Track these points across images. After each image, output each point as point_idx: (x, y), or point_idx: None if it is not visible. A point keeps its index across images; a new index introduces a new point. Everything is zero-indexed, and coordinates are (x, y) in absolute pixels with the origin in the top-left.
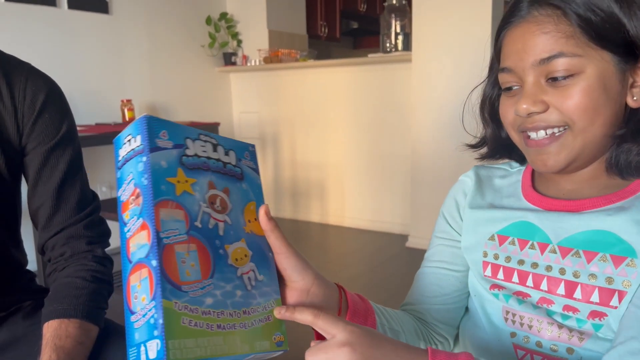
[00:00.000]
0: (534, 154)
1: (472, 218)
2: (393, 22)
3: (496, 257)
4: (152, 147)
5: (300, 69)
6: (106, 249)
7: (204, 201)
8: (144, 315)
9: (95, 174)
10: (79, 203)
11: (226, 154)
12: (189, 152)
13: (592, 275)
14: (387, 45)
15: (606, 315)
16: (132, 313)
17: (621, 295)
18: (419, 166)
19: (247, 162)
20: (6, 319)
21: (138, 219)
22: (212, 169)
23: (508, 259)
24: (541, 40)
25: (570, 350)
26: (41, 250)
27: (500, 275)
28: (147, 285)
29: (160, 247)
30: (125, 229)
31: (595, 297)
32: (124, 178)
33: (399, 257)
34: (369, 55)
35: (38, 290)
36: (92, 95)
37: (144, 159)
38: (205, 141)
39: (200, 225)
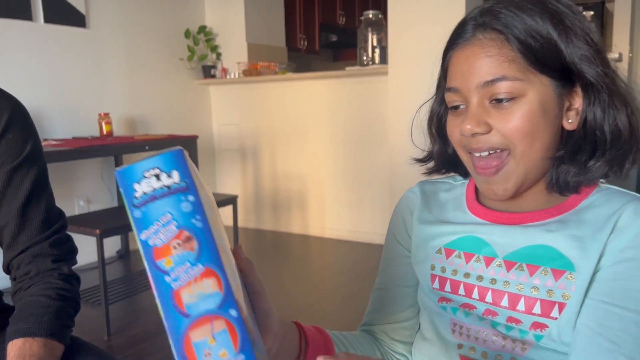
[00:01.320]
0: (484, 183)
1: (421, 233)
2: (370, 35)
3: (443, 270)
4: (197, 185)
5: (279, 82)
6: (73, 267)
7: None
8: None
9: (72, 188)
10: (44, 221)
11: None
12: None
13: (535, 288)
14: (364, 58)
15: (547, 327)
16: None
17: (561, 307)
18: (397, 176)
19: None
20: None
21: (195, 264)
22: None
23: (455, 272)
24: (485, 63)
25: None
26: (7, 270)
27: (448, 287)
28: (227, 338)
29: (234, 294)
30: (169, 278)
31: (537, 308)
32: (152, 218)
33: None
34: (347, 69)
35: (5, 309)
36: (69, 108)
37: (191, 198)
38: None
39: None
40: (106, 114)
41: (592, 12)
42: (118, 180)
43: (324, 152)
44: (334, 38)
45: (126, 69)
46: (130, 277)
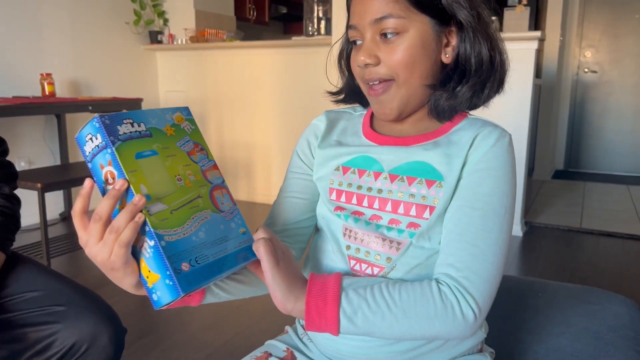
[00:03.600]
0: (375, 104)
1: (322, 155)
2: (315, 7)
3: (340, 184)
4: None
5: (227, 50)
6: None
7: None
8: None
9: (14, 149)
10: None
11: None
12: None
13: (412, 195)
14: (310, 29)
15: (420, 226)
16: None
17: (431, 209)
18: None
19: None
20: None
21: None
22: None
23: (349, 185)
24: (375, 3)
25: (388, 260)
26: None
27: (343, 198)
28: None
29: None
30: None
31: (413, 211)
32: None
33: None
34: (293, 38)
35: None
36: (8, 67)
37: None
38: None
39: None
40: (48, 74)
41: None
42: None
43: (270, 120)
44: (284, 10)
45: (69, 30)
46: (72, 235)
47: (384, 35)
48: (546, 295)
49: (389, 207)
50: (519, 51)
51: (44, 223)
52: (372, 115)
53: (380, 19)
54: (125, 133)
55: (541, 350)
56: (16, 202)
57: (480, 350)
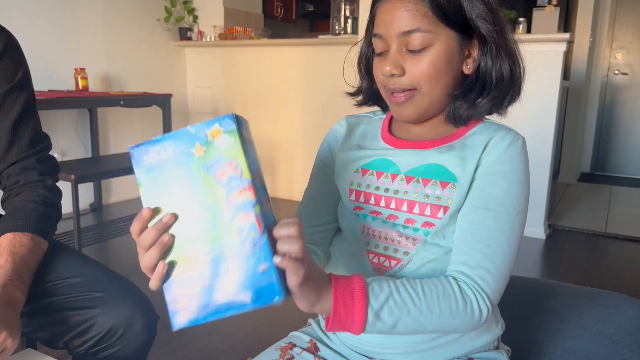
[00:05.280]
0: (395, 108)
1: (343, 158)
2: (342, 5)
3: (359, 185)
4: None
5: (254, 47)
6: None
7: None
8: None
9: None
10: (32, 140)
11: None
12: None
13: (426, 195)
14: (337, 27)
15: (434, 225)
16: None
17: (445, 209)
18: None
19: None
20: None
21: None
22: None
23: (368, 186)
24: (404, 16)
25: (406, 253)
26: None
27: (362, 199)
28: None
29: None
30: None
31: (427, 211)
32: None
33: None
34: (319, 37)
35: None
36: (45, 62)
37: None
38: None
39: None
40: (82, 69)
41: None
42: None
43: (295, 118)
44: (311, 8)
45: (102, 25)
46: (102, 226)
47: (411, 51)
48: (564, 297)
49: (404, 207)
50: (547, 53)
51: (77, 213)
52: (390, 119)
53: (408, 32)
54: (150, 163)
55: (557, 351)
56: (58, 193)
57: (497, 348)
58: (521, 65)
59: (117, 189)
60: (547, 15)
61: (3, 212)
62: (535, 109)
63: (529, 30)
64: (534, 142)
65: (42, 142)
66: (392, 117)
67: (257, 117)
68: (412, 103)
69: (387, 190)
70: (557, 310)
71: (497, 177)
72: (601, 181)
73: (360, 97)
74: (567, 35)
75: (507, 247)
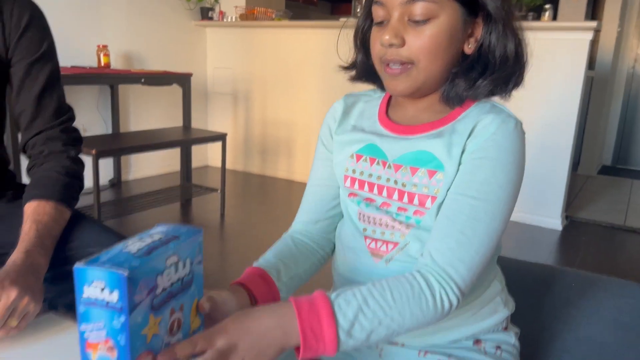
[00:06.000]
0: (389, 80)
1: (339, 141)
2: None
3: (354, 171)
4: (132, 307)
5: (275, 28)
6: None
7: (166, 332)
8: None
9: None
10: (56, 110)
11: (184, 265)
12: (158, 291)
13: (414, 185)
14: (358, 10)
15: (424, 214)
16: None
17: (433, 199)
18: None
19: (197, 258)
20: None
21: None
22: (174, 293)
23: (361, 173)
24: None
25: (402, 236)
26: (23, 149)
27: (356, 186)
28: None
29: None
30: None
31: (416, 200)
32: (91, 319)
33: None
34: (340, 19)
35: (18, 185)
36: (67, 39)
37: (123, 319)
38: (170, 266)
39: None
40: (104, 46)
41: None
42: (74, 275)
43: (314, 100)
44: None
45: (125, 3)
46: (121, 202)
47: (413, 21)
48: (579, 286)
49: (395, 196)
50: (573, 41)
51: (97, 187)
52: (389, 101)
53: (413, 0)
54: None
55: (570, 338)
56: (81, 164)
57: (506, 329)
58: (526, 47)
59: (135, 166)
60: (574, 3)
61: (26, 181)
62: (557, 98)
63: (554, 18)
64: (554, 132)
65: (66, 113)
66: (390, 96)
67: (276, 98)
68: (407, 77)
69: (379, 177)
70: (571, 298)
71: (479, 163)
72: (622, 174)
73: (353, 72)
74: (594, 24)
75: (484, 236)
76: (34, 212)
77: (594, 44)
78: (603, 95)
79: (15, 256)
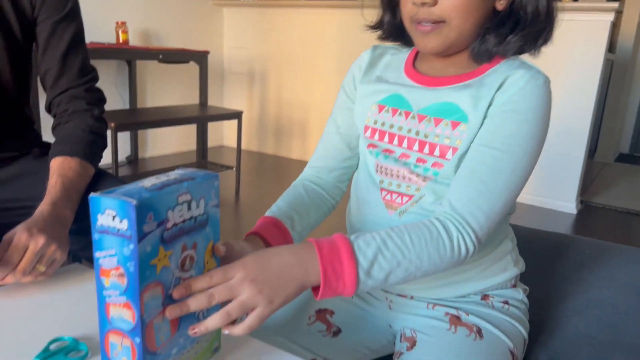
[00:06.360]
0: (420, 38)
1: (362, 90)
2: None
3: (375, 122)
4: (140, 236)
5: (292, 8)
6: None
7: (177, 267)
8: None
9: None
10: (80, 70)
11: (197, 205)
12: (169, 224)
13: (437, 136)
14: None
15: (443, 166)
16: (109, 358)
17: (454, 150)
18: None
19: (212, 201)
20: (19, 158)
21: (121, 295)
22: (186, 230)
23: (383, 124)
24: None
25: (417, 189)
26: (48, 108)
27: (376, 136)
28: (129, 353)
29: (143, 326)
30: (105, 293)
31: (437, 151)
32: (104, 246)
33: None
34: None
35: (44, 143)
36: (86, 15)
37: (131, 246)
38: (182, 203)
39: (172, 292)
40: (123, 23)
41: None
42: (90, 203)
43: (329, 82)
44: None
45: None
46: (137, 178)
47: None
48: (592, 252)
49: (416, 147)
50: (592, 22)
51: (116, 161)
52: (416, 54)
53: None
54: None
55: (581, 299)
56: (104, 123)
57: (514, 286)
58: (556, 4)
59: (152, 144)
60: None
61: (49, 141)
62: (575, 82)
63: None
64: (571, 116)
65: (90, 73)
66: (418, 50)
67: (292, 79)
68: (439, 35)
69: (400, 128)
70: (585, 262)
71: (507, 116)
72: None
73: (380, 32)
74: (615, 5)
75: (504, 188)
76: (60, 168)
77: (615, 26)
78: (623, 81)
79: (43, 207)
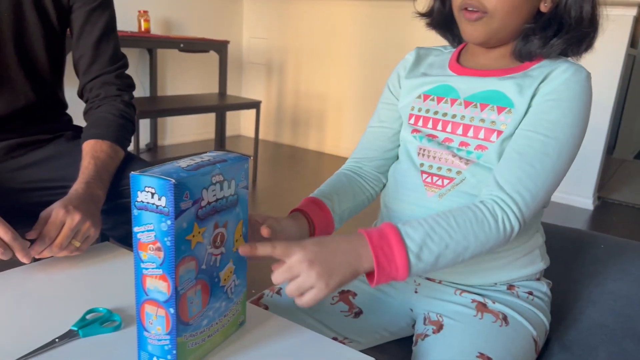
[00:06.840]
0: (465, 24)
1: (408, 85)
2: None
3: (420, 110)
4: (177, 213)
5: (311, 0)
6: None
7: (209, 243)
8: (158, 340)
9: None
10: (112, 57)
11: (229, 186)
12: (203, 203)
13: (482, 120)
14: None
15: (487, 148)
16: (145, 329)
17: (499, 134)
18: None
19: (242, 183)
20: (52, 140)
21: (158, 268)
22: (218, 209)
23: (427, 111)
24: None
25: (458, 173)
26: (80, 93)
27: (420, 123)
28: (163, 322)
29: (178, 298)
30: (143, 265)
31: (481, 134)
32: (142, 221)
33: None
34: None
35: (76, 127)
36: None
37: (169, 222)
38: (215, 183)
39: (205, 267)
40: (145, 12)
41: None
42: (130, 181)
43: (347, 73)
44: None
45: None
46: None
47: None
48: (608, 247)
49: (459, 131)
50: (614, 17)
51: (137, 148)
52: (459, 53)
53: None
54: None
55: (596, 291)
56: (133, 109)
57: (538, 279)
58: (600, 10)
59: (171, 132)
60: None
61: (80, 125)
62: (595, 77)
63: None
64: (591, 112)
65: (121, 60)
66: (461, 50)
67: (310, 70)
68: (483, 24)
69: (445, 114)
70: (600, 257)
71: (553, 104)
72: None
73: (429, 20)
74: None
75: (551, 171)
76: (92, 149)
77: (637, 21)
78: None
79: (77, 186)
